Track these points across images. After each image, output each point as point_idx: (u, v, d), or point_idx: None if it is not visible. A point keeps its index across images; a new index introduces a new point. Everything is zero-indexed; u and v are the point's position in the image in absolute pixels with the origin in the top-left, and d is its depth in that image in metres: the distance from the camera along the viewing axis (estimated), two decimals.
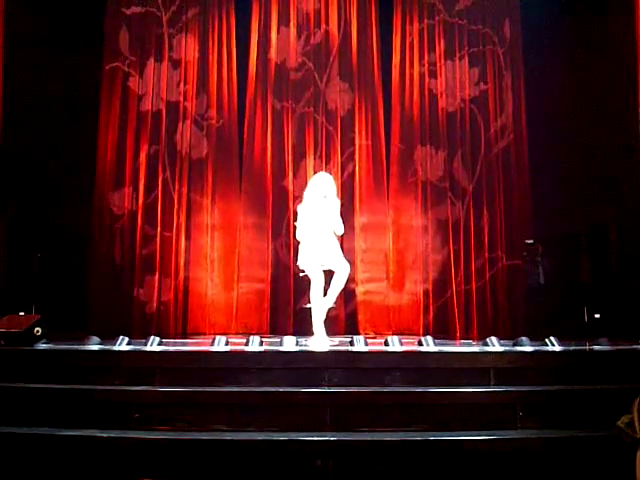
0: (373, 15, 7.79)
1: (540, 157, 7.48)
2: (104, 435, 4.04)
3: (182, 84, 7.62)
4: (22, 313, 5.55)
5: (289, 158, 7.58)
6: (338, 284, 5.64)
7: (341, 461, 3.97)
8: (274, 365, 4.64)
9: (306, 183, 6.21)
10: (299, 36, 7.72)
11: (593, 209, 7.16)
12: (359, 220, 7.50)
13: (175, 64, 7.65)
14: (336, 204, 5.79)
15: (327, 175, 6.00)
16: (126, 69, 7.60)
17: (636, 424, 1.68)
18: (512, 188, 7.56)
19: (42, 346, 4.99)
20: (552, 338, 5.28)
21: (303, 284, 6.16)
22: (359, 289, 7.38)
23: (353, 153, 7.62)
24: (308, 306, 5.73)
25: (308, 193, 5.81)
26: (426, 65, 7.71)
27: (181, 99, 7.59)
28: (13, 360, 4.67)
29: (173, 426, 4.20)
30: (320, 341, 5.50)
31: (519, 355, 4.94)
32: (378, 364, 4.70)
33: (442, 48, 7.73)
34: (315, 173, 6.49)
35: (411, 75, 7.72)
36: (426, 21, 7.77)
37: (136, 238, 7.36)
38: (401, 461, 4.00)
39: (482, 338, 5.90)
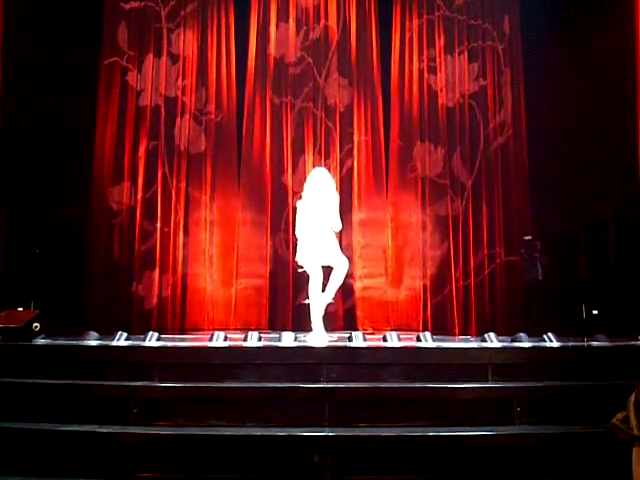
0: (372, 10, 7.77)
1: (539, 153, 7.47)
2: (103, 430, 4.05)
3: (181, 79, 7.59)
4: (21, 308, 5.56)
5: (288, 153, 7.56)
6: (337, 280, 5.64)
7: (339, 457, 3.98)
8: (273, 361, 4.65)
9: (305, 179, 6.20)
10: (298, 31, 7.70)
11: (592, 205, 7.15)
12: (358, 216, 7.50)
13: (174, 59, 7.63)
14: (334, 200, 5.78)
15: (324, 170, 6.01)
16: (124, 64, 7.57)
17: (632, 421, 1.68)
18: (511, 184, 7.56)
19: (40, 341, 4.99)
20: (550, 334, 5.29)
21: (302, 280, 6.16)
22: (358, 285, 7.38)
23: (352, 149, 7.61)
24: (307, 302, 5.73)
25: (307, 189, 5.81)
26: (425, 61, 7.69)
27: (180, 94, 7.57)
28: (12, 355, 4.67)
29: (172, 421, 4.21)
30: (319, 337, 5.51)
31: (517, 351, 4.96)
32: (376, 360, 4.71)
33: (441, 44, 7.71)
34: (314, 168, 6.47)
35: (410, 71, 7.70)
36: (425, 16, 7.76)
37: (135, 234, 7.35)
38: (399, 457, 4.01)
39: (480, 334, 5.92)
